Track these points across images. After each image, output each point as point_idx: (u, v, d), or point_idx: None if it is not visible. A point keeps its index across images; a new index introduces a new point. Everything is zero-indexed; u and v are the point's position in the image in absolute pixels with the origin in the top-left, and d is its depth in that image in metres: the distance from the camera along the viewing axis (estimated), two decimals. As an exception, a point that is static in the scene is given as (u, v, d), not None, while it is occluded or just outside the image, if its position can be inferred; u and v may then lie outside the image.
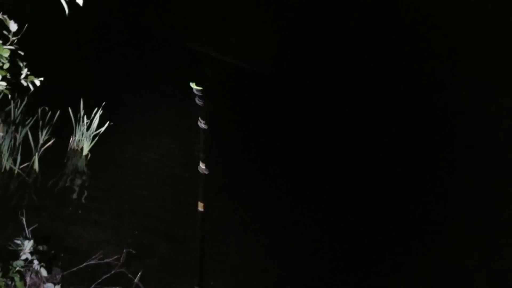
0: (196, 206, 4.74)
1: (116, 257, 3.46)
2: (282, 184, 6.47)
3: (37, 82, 3.18)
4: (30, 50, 3.14)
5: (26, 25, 2.94)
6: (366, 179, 7.71)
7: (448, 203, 7.01)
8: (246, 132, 8.31)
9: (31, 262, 2.97)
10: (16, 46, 2.89)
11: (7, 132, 4.40)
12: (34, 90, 3.82)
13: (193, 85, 4.76)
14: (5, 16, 2.35)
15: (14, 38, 2.79)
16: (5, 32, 2.74)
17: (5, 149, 4.29)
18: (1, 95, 4.14)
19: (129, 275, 3.36)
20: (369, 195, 7.05)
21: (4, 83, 2.86)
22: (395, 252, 5.47)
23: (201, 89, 4.92)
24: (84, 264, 3.30)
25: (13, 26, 2.69)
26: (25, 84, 3.16)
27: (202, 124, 3.72)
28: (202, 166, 3.24)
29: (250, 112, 9.67)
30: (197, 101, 4.53)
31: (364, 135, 10.00)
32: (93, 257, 3.39)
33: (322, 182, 7.01)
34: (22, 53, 3.02)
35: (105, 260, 3.40)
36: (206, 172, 3.12)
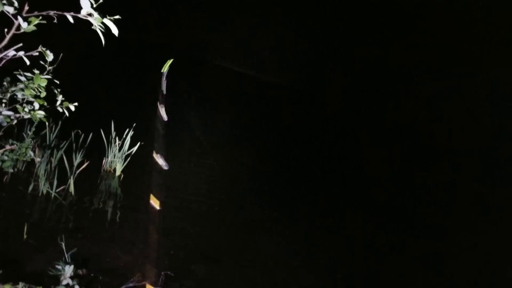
0: (233, 224, 4.72)
1: (154, 279, 3.46)
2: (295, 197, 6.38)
3: (72, 108, 3.24)
4: (62, 75, 3.21)
5: (61, 54, 3.00)
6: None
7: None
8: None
9: (72, 287, 2.99)
10: (51, 75, 2.96)
11: (42, 156, 4.50)
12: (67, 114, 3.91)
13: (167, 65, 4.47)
14: (44, 49, 2.40)
15: (50, 68, 2.85)
16: (41, 62, 2.80)
17: (41, 173, 4.38)
18: (37, 121, 4.24)
19: (168, 297, 3.35)
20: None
21: (42, 113, 2.92)
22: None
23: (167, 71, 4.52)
24: (123, 286, 3.30)
25: (50, 57, 2.74)
26: (60, 110, 3.23)
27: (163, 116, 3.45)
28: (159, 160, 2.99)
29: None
30: (163, 83, 4.22)
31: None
32: (132, 279, 3.39)
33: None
34: (57, 82, 3.08)
35: (143, 282, 3.40)
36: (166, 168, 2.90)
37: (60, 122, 4.73)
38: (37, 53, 2.43)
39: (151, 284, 3.39)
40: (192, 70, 12.00)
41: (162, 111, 3.22)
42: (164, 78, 4.01)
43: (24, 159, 3.97)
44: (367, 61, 11.05)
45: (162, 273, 3.50)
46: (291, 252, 4.72)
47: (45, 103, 2.99)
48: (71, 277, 3.08)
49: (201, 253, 4.21)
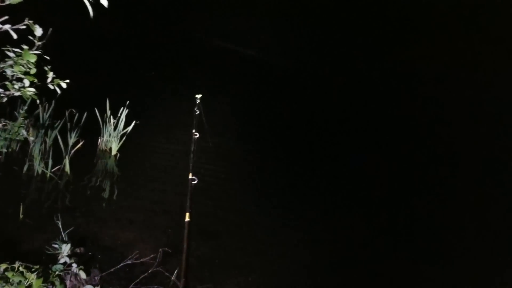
0: (234, 204, 4.69)
1: (152, 256, 3.45)
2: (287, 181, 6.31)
3: (64, 85, 3.18)
4: (54, 53, 3.13)
5: (51, 29, 2.91)
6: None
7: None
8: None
9: (70, 265, 2.98)
10: (41, 51, 2.88)
11: (37, 136, 4.44)
12: (60, 93, 3.84)
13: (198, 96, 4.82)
14: (31, 22, 2.32)
15: (39, 43, 2.77)
16: (30, 37, 2.72)
17: (36, 153, 4.34)
18: (29, 99, 4.17)
19: (166, 273, 3.34)
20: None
21: (33, 90, 2.86)
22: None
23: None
24: (121, 264, 3.30)
25: (38, 31, 2.66)
26: (52, 87, 3.16)
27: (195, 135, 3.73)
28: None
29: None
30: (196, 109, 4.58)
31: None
32: (130, 257, 3.39)
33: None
34: (48, 58, 3.01)
35: (141, 260, 3.39)
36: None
37: (53, 101, 4.65)
38: (24, 27, 2.35)
39: (149, 261, 3.38)
40: (193, 52, 11.81)
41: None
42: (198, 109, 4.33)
43: (18, 138, 3.91)
44: (369, 61, 10.98)
45: (160, 249, 3.49)
46: (291, 233, 4.63)
47: (36, 80, 2.91)
48: (69, 256, 3.07)
49: (200, 231, 4.19)
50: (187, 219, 2.78)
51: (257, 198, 5.21)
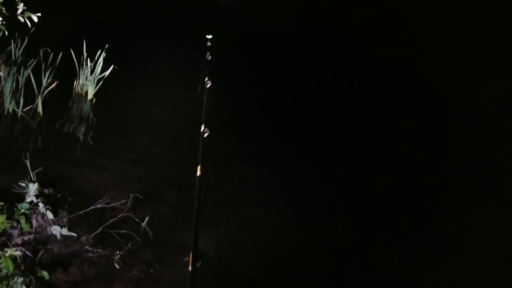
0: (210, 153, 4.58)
1: (123, 201, 3.41)
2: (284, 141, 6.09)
3: (35, 18, 3.02)
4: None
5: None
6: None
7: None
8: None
9: (37, 205, 2.93)
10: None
11: (8, 73, 4.27)
12: (34, 30, 3.65)
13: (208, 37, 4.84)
14: None
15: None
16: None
17: (7, 91, 4.18)
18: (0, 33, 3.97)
19: (136, 219, 3.32)
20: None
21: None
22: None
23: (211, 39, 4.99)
24: (91, 207, 3.26)
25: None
26: (22, 20, 3.00)
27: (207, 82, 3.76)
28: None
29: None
30: (207, 54, 4.60)
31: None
32: (100, 201, 3.34)
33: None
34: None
35: (112, 204, 3.35)
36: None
37: (26, 38, 4.44)
38: None
39: (120, 207, 3.35)
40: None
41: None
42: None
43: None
44: (375, 61, 10.70)
45: (131, 195, 3.45)
46: (271, 189, 4.49)
47: (3, 9, 2.75)
48: (36, 195, 3.01)
49: (173, 180, 4.15)
50: (198, 173, 2.78)
51: (240, 154, 5.07)
